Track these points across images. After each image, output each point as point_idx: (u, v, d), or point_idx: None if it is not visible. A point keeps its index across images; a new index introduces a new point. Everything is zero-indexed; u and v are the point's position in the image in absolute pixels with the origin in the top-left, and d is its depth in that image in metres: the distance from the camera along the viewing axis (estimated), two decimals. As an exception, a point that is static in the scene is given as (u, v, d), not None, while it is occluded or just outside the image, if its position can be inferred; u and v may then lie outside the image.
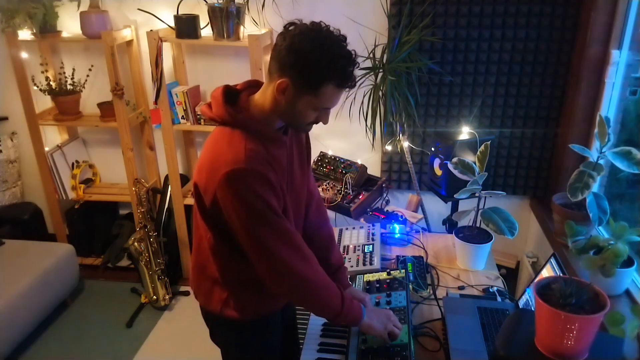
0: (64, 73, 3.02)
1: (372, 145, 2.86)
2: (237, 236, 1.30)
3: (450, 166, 1.96)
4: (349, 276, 1.80)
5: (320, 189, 2.61)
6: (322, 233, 1.63)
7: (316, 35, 1.19)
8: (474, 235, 1.93)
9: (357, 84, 2.57)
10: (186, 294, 3.10)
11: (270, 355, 1.60)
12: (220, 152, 1.25)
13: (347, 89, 1.26)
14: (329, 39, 1.19)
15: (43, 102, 3.14)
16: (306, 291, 1.36)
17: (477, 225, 1.94)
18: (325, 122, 1.33)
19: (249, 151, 1.23)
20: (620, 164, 1.82)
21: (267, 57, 2.86)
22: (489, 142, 1.91)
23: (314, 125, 1.36)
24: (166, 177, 3.15)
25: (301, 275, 1.32)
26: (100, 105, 3.05)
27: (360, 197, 2.48)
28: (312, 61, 1.18)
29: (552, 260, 1.68)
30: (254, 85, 1.38)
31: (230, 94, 1.33)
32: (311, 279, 1.34)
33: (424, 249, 2.06)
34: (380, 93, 2.58)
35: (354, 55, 1.22)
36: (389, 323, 1.45)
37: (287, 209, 1.36)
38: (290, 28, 1.21)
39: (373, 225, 2.14)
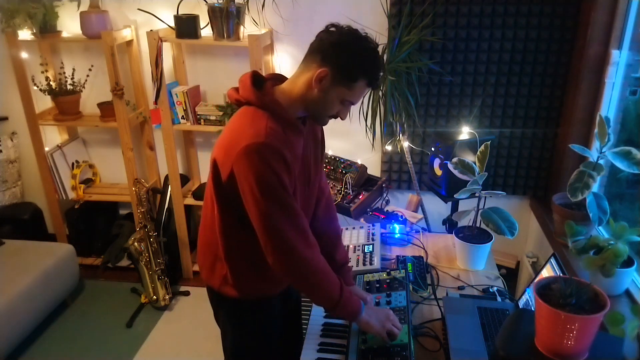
0: (64, 73, 3.02)
1: (372, 145, 2.86)
2: (247, 211, 1.34)
3: (450, 166, 1.96)
4: (349, 276, 1.81)
5: (320, 189, 2.61)
6: (330, 230, 1.67)
7: (361, 36, 1.34)
8: (474, 235, 1.93)
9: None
10: (186, 294, 3.10)
11: (267, 340, 1.62)
12: (242, 128, 1.32)
13: (371, 89, 1.41)
14: (370, 43, 1.34)
15: (43, 102, 3.14)
16: (306, 274, 1.38)
17: (477, 225, 1.94)
18: (343, 118, 1.43)
19: (269, 129, 1.30)
20: (620, 164, 1.82)
21: (267, 57, 2.87)
22: (489, 142, 1.91)
23: None
24: (166, 177, 3.15)
25: (303, 257, 1.36)
26: (100, 105, 3.05)
27: (360, 197, 2.48)
28: (356, 57, 1.32)
29: (552, 260, 1.68)
30: (278, 79, 1.46)
31: (257, 80, 1.41)
32: (312, 263, 1.38)
33: (424, 249, 2.06)
34: (380, 93, 2.58)
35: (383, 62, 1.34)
36: (388, 322, 1.46)
37: (296, 195, 1.41)
38: (332, 29, 1.34)
39: (373, 225, 2.14)
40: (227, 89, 2.66)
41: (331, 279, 1.42)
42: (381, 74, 1.38)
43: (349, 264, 1.72)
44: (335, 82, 1.33)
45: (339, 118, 1.43)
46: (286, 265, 1.36)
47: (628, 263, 1.76)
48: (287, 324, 1.73)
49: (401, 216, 2.37)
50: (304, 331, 1.63)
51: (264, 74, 1.47)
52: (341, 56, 1.31)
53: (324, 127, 1.55)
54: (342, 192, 2.49)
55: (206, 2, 2.65)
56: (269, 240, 1.33)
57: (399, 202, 3.07)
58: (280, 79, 1.46)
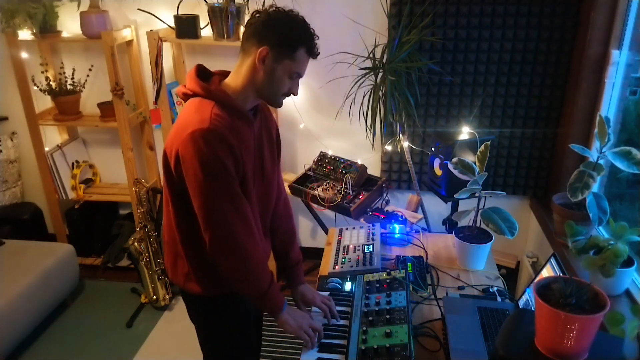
0: (64, 73, 3.02)
1: (372, 145, 2.85)
2: (191, 197, 1.35)
3: (450, 166, 1.96)
4: (348, 276, 1.81)
5: (320, 189, 2.61)
6: (287, 227, 1.72)
7: (286, 10, 1.38)
8: (474, 235, 1.93)
9: (357, 84, 2.60)
10: (186, 294, 3.10)
11: (237, 335, 1.63)
12: (188, 117, 1.35)
13: (314, 58, 1.43)
14: (296, 14, 1.39)
15: (43, 102, 3.14)
16: (241, 259, 1.39)
17: (477, 225, 1.94)
18: (295, 93, 1.46)
19: (215, 115, 1.33)
20: (620, 164, 1.82)
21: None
22: (489, 142, 1.91)
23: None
24: (166, 177, 3.14)
25: (241, 241, 1.38)
26: (100, 105, 3.05)
27: (360, 197, 2.48)
28: (289, 27, 1.36)
29: (552, 260, 1.68)
30: (224, 75, 1.48)
31: (203, 73, 1.45)
32: (249, 248, 1.40)
33: (424, 249, 2.06)
34: (380, 93, 2.58)
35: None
36: (305, 324, 1.49)
37: (248, 185, 1.42)
38: (257, 14, 1.38)
39: (373, 225, 2.14)
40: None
41: (264, 270, 1.45)
42: (316, 39, 1.40)
43: (302, 262, 1.76)
44: (277, 57, 1.36)
45: (291, 95, 1.45)
46: (222, 248, 1.37)
47: (628, 263, 1.76)
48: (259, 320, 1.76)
49: (401, 216, 2.37)
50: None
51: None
52: (275, 30, 1.35)
53: (279, 127, 1.59)
54: (342, 192, 2.49)
55: (206, 2, 2.65)
56: (210, 225, 1.35)
57: (399, 202, 3.07)
58: (226, 74, 1.49)
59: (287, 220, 1.73)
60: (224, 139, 1.31)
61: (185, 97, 1.43)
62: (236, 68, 1.43)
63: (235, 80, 1.42)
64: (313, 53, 1.41)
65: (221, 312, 1.58)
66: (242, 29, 2.70)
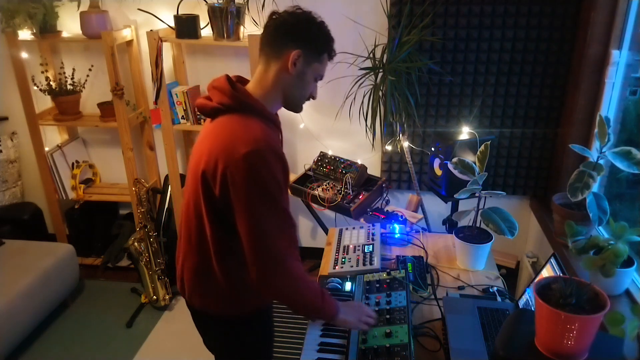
0: (64, 73, 3.02)
1: (372, 145, 2.86)
2: (237, 219, 1.29)
3: (450, 166, 1.96)
4: (348, 276, 1.81)
5: (320, 189, 2.61)
6: None
7: (308, 13, 1.36)
8: (474, 235, 1.93)
9: (357, 84, 2.60)
10: (186, 294, 3.10)
11: (266, 350, 1.63)
12: (235, 135, 1.27)
13: (330, 61, 1.44)
14: (319, 18, 1.37)
15: (43, 102, 3.14)
16: (294, 286, 1.37)
17: (477, 225, 1.94)
18: (314, 97, 1.45)
19: (265, 132, 1.29)
20: (620, 164, 1.82)
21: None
22: (489, 142, 1.91)
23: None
24: (166, 177, 3.15)
25: (291, 268, 1.34)
26: (100, 105, 3.05)
27: (360, 197, 2.48)
28: (318, 30, 1.35)
29: (552, 260, 1.68)
30: (240, 81, 1.44)
31: (231, 82, 1.38)
32: (298, 271, 1.36)
33: (424, 249, 2.06)
34: (380, 93, 2.58)
35: None
36: (363, 315, 1.48)
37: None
38: (275, 16, 1.34)
39: (373, 225, 2.14)
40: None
41: (313, 286, 1.42)
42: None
43: None
44: (307, 60, 1.35)
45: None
46: (275, 277, 1.32)
47: (628, 263, 1.76)
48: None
49: (401, 216, 2.37)
50: (304, 332, 1.63)
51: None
52: (307, 34, 1.33)
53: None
54: (342, 192, 2.49)
55: (206, 2, 2.65)
56: (258, 249, 1.29)
57: (399, 202, 3.08)
58: (243, 81, 1.45)
59: None
60: (278, 155, 1.28)
61: (214, 111, 1.35)
62: (260, 73, 1.38)
63: (262, 86, 1.37)
64: (332, 56, 1.42)
65: (253, 331, 1.55)
66: (242, 29, 2.71)
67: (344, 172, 2.58)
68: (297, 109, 1.46)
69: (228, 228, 1.35)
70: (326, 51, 1.37)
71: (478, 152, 1.93)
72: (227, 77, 1.39)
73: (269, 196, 1.27)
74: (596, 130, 1.91)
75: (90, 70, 3.05)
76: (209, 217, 1.36)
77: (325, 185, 2.59)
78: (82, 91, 3.06)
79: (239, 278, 1.44)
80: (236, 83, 1.39)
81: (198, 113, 2.90)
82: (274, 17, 1.35)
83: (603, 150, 1.88)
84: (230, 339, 1.55)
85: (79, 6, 2.80)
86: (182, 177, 3.14)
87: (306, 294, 1.40)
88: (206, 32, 2.77)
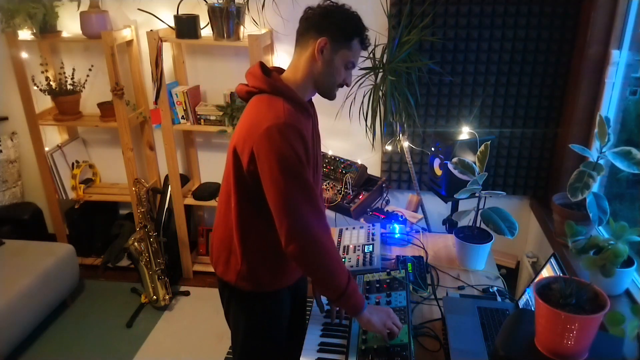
0: (64, 73, 3.02)
1: (372, 145, 2.86)
2: (266, 194, 1.36)
3: (450, 166, 1.96)
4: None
5: (320, 189, 2.60)
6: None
7: (341, 5, 1.44)
8: (474, 235, 1.93)
9: (357, 84, 2.60)
10: (186, 294, 3.10)
11: (277, 331, 1.64)
12: (260, 113, 1.37)
13: (365, 50, 1.49)
14: (350, 8, 1.44)
15: (43, 102, 3.14)
16: (319, 256, 1.38)
17: (477, 225, 1.94)
18: (349, 84, 1.51)
19: (288, 110, 1.36)
20: (620, 164, 1.82)
21: (267, 57, 2.87)
22: (489, 142, 1.91)
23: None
24: (166, 177, 3.15)
25: (318, 238, 1.37)
26: (100, 105, 3.05)
27: (360, 197, 2.48)
28: (346, 17, 1.42)
29: (552, 260, 1.68)
30: (279, 71, 1.52)
31: (265, 70, 1.47)
32: (327, 245, 1.39)
33: (424, 249, 2.06)
34: (380, 93, 2.58)
35: None
36: (389, 321, 1.45)
37: (311, 175, 1.43)
38: (310, 10, 1.42)
39: (373, 225, 2.14)
40: (227, 89, 2.70)
41: (341, 267, 1.43)
42: (367, 32, 1.46)
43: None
44: (335, 47, 1.40)
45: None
46: (301, 246, 1.35)
47: (628, 263, 1.76)
48: (293, 319, 1.75)
49: (401, 216, 2.37)
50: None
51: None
52: (333, 21, 1.39)
53: (320, 125, 1.59)
54: (342, 192, 2.49)
55: (206, 2, 2.65)
56: (286, 219, 1.34)
57: (399, 202, 3.07)
58: (280, 70, 1.52)
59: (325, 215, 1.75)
60: (299, 132, 1.34)
61: (248, 95, 1.46)
62: (294, 62, 1.47)
63: (294, 74, 1.45)
64: (365, 44, 1.46)
65: (265, 310, 1.59)
66: (242, 29, 2.71)
67: (344, 172, 2.58)
68: (330, 96, 1.51)
69: (254, 205, 1.42)
70: (354, 38, 1.41)
71: (478, 152, 1.93)
72: (261, 63, 1.48)
73: (291, 170, 1.32)
74: (596, 130, 1.90)
75: (90, 70, 3.05)
76: (236, 193, 1.45)
77: (325, 185, 2.58)
78: (82, 91, 3.06)
79: (257, 256, 1.51)
80: (270, 70, 1.48)
81: (199, 114, 2.90)
82: (307, 11, 1.43)
83: (603, 150, 1.88)
84: (245, 313, 1.61)
85: (79, 6, 2.80)
86: (182, 177, 3.14)
87: (332, 270, 1.40)
88: (206, 32, 2.77)
